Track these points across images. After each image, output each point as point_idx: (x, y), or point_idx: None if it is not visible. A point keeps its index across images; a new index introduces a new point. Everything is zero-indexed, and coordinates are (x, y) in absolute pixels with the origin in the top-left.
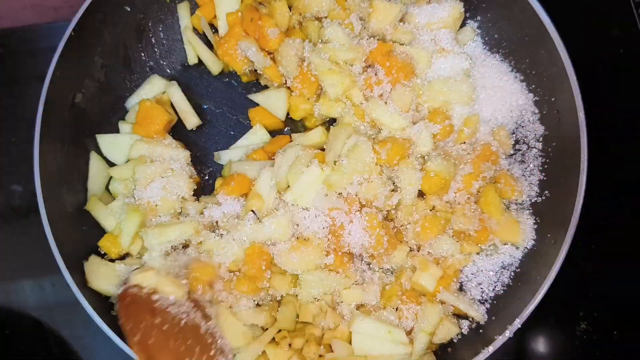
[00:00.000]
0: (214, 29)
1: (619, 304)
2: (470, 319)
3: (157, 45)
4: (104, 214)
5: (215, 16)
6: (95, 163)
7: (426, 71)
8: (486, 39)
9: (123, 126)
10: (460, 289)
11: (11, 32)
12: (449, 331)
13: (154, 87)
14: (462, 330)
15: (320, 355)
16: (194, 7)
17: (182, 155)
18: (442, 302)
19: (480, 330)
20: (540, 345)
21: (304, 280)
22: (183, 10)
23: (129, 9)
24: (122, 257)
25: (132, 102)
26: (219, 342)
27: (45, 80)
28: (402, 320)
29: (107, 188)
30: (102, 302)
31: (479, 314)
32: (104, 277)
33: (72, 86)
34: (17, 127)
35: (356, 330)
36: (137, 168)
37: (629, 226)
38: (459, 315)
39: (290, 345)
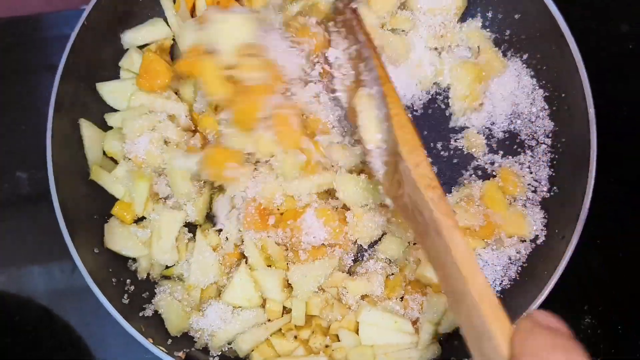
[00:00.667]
0: None
1: (623, 299)
2: None
3: None
4: (110, 182)
5: None
6: (87, 131)
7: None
8: (497, 34)
9: (123, 72)
10: None
11: (19, 21)
12: (454, 321)
13: (156, 30)
14: None
15: (327, 346)
16: None
17: (181, 108)
18: None
19: None
20: None
21: (293, 282)
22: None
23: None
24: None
25: (129, 38)
26: None
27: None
28: (407, 310)
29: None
30: (113, 288)
31: None
32: (120, 238)
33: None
34: (26, 116)
35: (363, 321)
36: (125, 122)
37: (635, 223)
38: None
39: (296, 337)
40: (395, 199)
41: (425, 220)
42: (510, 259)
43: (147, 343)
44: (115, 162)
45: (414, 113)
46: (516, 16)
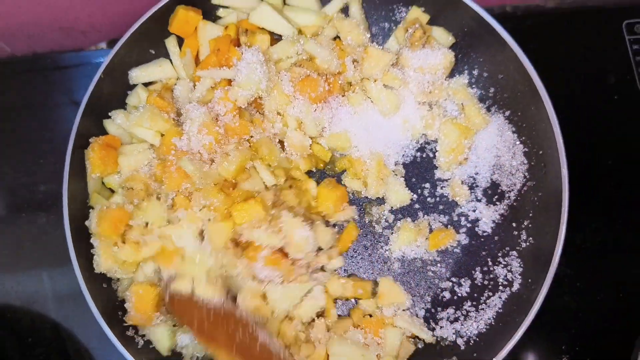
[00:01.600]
0: None
1: (600, 340)
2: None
3: None
4: None
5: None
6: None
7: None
8: (482, 90)
9: (129, 109)
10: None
11: (41, 56)
12: (407, 350)
13: (162, 70)
14: None
15: None
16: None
17: None
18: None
19: None
20: None
21: (271, 299)
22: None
23: (153, 52)
24: None
25: (136, 75)
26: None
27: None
28: (367, 339)
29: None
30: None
31: (428, 336)
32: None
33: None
34: (44, 150)
35: (334, 353)
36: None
37: (610, 268)
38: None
39: None
40: None
41: None
42: (487, 305)
43: None
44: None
45: (405, 160)
46: (500, 76)
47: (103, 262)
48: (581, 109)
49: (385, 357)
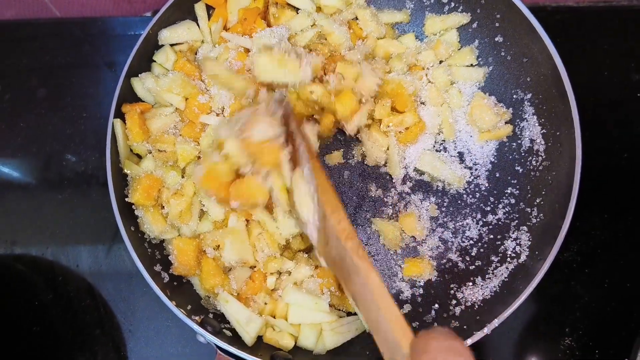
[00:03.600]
0: None
1: (603, 325)
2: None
3: None
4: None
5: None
6: (120, 130)
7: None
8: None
9: (155, 66)
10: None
11: (91, 21)
12: None
13: (189, 33)
14: (450, 325)
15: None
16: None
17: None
18: None
19: (465, 327)
20: (528, 353)
21: None
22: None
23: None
24: None
25: (165, 36)
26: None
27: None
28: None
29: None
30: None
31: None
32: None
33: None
34: (88, 105)
35: (289, 302)
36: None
37: (617, 252)
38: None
39: None
40: (325, 255)
41: (347, 266)
42: (495, 274)
43: (171, 305)
44: (139, 156)
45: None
46: (525, 59)
47: (154, 227)
48: (602, 98)
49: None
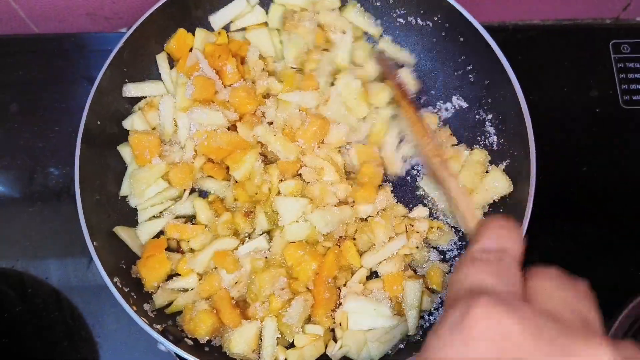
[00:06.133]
0: None
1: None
2: None
3: None
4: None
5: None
6: (127, 151)
7: None
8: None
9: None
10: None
11: (66, 36)
12: (432, 300)
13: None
14: None
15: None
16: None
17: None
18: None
19: None
20: None
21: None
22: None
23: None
24: None
25: (129, 89)
26: None
27: (94, 81)
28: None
29: None
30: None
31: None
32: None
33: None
34: (60, 119)
35: (349, 310)
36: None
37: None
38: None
39: None
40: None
41: (437, 175)
42: None
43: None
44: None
45: None
46: (486, 81)
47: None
48: (560, 114)
49: (409, 310)
